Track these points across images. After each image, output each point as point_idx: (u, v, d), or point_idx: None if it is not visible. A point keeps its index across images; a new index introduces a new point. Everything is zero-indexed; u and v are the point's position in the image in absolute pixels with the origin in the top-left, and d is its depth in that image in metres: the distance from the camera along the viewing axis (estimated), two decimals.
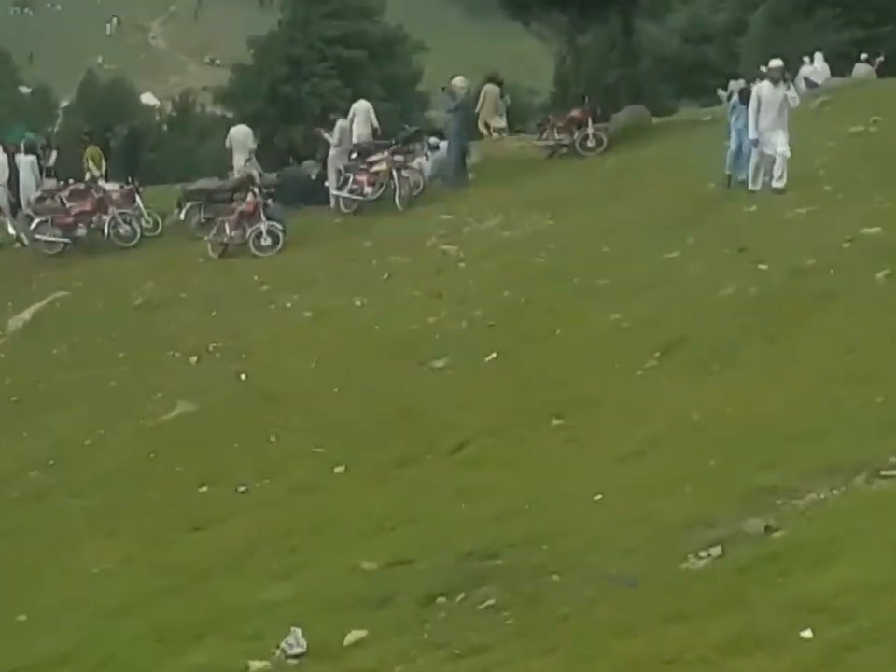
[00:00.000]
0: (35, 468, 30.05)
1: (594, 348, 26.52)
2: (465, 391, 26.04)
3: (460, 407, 25.10)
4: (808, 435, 16.78)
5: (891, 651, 9.76)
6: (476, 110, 54.34)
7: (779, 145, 31.78)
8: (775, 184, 31.60)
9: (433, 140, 49.06)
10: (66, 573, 22.19)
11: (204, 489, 24.89)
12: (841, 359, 20.85)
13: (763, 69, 34.72)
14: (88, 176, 52.17)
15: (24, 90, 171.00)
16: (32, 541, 25.37)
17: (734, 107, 34.83)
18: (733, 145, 34.37)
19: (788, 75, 33.75)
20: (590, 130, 48.06)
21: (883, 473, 14.62)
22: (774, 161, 31.83)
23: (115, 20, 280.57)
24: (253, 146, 54.84)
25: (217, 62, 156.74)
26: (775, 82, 32.78)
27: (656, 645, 11.41)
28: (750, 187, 33.40)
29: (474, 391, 25.81)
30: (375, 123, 49.08)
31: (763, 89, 32.87)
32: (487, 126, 56.18)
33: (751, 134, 32.51)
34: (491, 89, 55.76)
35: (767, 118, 32.17)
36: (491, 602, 14.40)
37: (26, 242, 49.19)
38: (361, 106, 50.21)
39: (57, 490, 28.32)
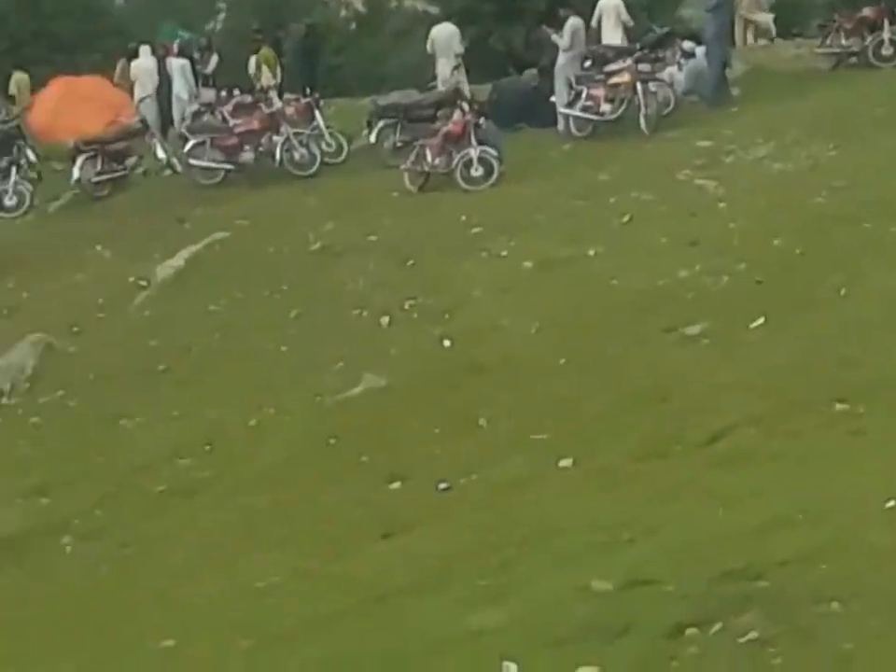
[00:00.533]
0: (187, 455, 30.34)
1: (890, 315, 26.39)
2: (725, 366, 26.00)
3: (718, 387, 25.04)
4: None
5: None
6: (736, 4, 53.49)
7: None
8: None
9: (688, 45, 48.58)
10: (224, 589, 22.38)
11: (396, 485, 25.02)
12: None
13: None
14: (257, 86, 52.30)
15: None
16: (181, 549, 25.61)
17: None
18: None
19: None
20: (886, 34, 47.44)
21: None
22: None
23: None
24: (461, 49, 54.58)
25: None
26: None
27: None
28: None
29: (736, 367, 25.77)
30: (630, 22, 48.65)
31: None
32: (749, 25, 55.44)
33: None
34: None
35: None
36: (754, 635, 14.30)
37: (179, 168, 49.52)
38: (610, 2, 49.85)
39: (213, 484, 28.57)
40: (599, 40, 48.96)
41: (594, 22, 49.64)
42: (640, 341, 28.47)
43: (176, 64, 55.17)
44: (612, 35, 48.47)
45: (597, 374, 27.35)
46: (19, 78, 64.66)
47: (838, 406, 22.50)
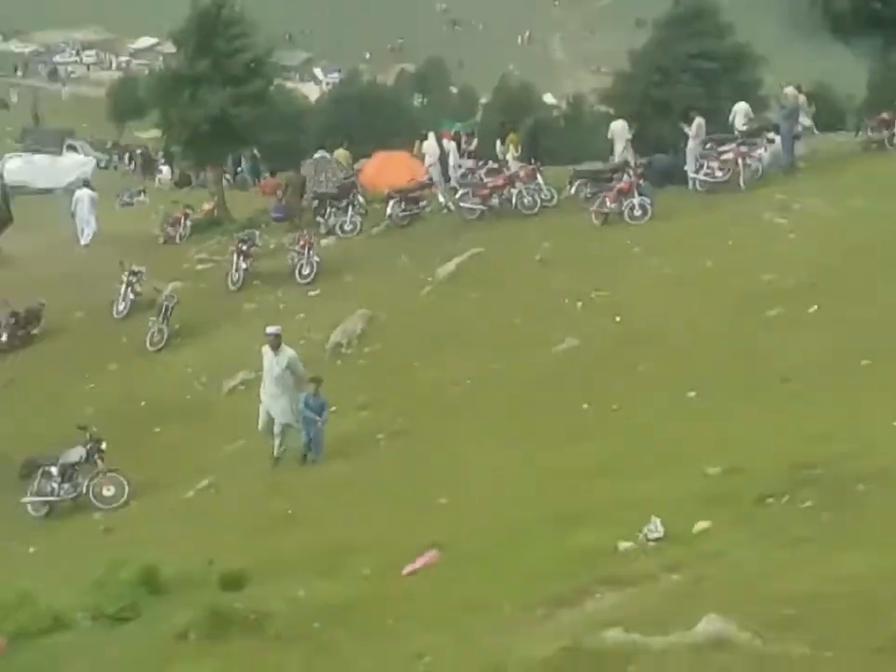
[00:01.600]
0: (456, 384, 30.63)
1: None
2: (791, 336, 25.92)
3: (786, 348, 25.01)
4: None
5: None
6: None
7: None
8: None
9: (770, 135, 48.65)
10: (478, 470, 22.56)
11: (586, 406, 25.15)
12: None
13: None
14: (501, 157, 52.62)
15: (453, 89, 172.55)
16: (449, 445, 25.86)
17: None
18: None
19: None
20: None
21: None
22: None
23: (527, 33, 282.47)
24: (629, 136, 54.99)
25: (603, 69, 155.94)
26: None
27: None
28: None
29: (798, 336, 25.68)
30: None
31: None
32: None
33: None
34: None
35: None
36: (810, 503, 14.45)
37: (452, 208, 49.68)
38: (741, 107, 50.30)
39: (471, 404, 28.87)
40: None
41: (734, 119, 50.79)
42: (738, 319, 28.51)
43: (451, 145, 55.58)
44: (741, 122, 49.45)
45: (711, 341, 27.44)
46: (341, 153, 65.42)
47: (864, 361, 22.41)
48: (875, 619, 9.71)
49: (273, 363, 25.98)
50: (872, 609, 9.92)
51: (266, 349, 26.38)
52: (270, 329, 26.67)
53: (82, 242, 58.57)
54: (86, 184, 67.09)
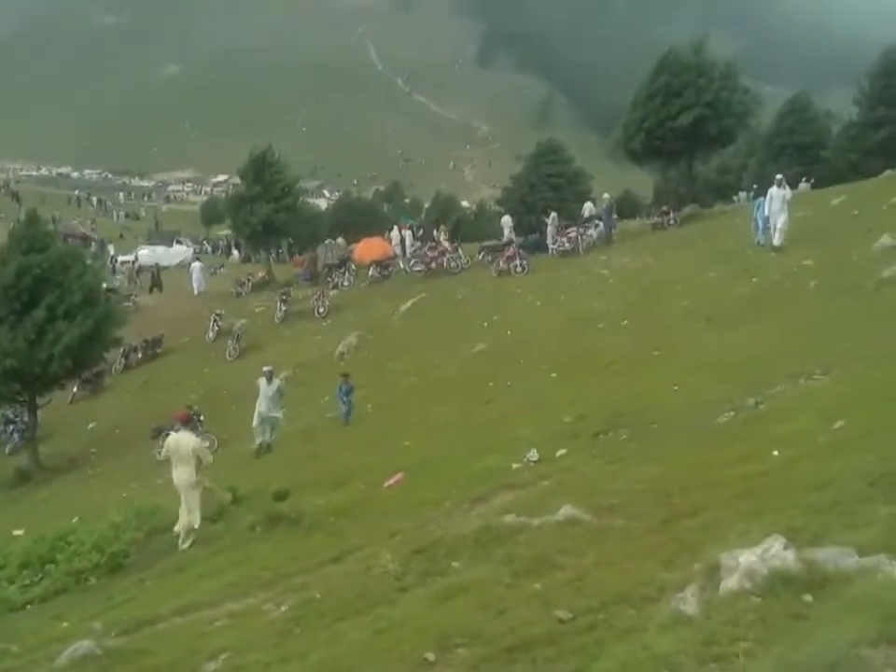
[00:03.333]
0: (413, 373, 30.54)
1: (672, 318, 26.39)
2: (612, 339, 25.91)
3: (609, 346, 25.01)
4: (776, 360, 16.70)
5: (818, 461, 9.81)
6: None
7: (780, 222, 30.63)
8: (776, 243, 30.40)
9: (597, 221, 48.75)
10: (428, 424, 22.53)
11: (491, 384, 25.05)
12: (794, 323, 20.65)
13: (777, 177, 33.65)
14: (437, 239, 52.31)
15: (407, 200, 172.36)
16: (409, 409, 25.90)
17: (758, 203, 33.37)
18: (759, 222, 32.94)
19: (784, 183, 32.53)
20: (672, 215, 47.24)
21: (813, 377, 14.56)
22: (777, 230, 30.63)
23: (451, 164, 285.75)
24: (512, 224, 55.10)
25: (496, 185, 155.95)
26: (779, 185, 31.67)
27: (707, 456, 11.53)
28: (761, 242, 32.05)
29: (616, 338, 25.70)
30: (557, 222, 48.69)
31: (772, 190, 31.77)
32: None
33: (765, 213, 31.48)
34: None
35: (774, 205, 31.03)
36: (624, 436, 14.58)
37: (408, 271, 49.40)
38: (554, 216, 50.04)
39: (422, 384, 28.82)
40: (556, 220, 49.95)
41: (554, 215, 50.53)
42: (581, 330, 28.39)
43: (407, 234, 55.58)
44: (555, 223, 49.18)
45: (564, 343, 27.52)
46: (339, 241, 66.54)
47: (655, 352, 22.46)
48: (664, 502, 9.81)
49: (267, 389, 25.74)
50: (662, 498, 10.05)
51: (262, 380, 26.14)
52: (266, 368, 26.56)
53: (196, 293, 58.92)
54: (198, 259, 70.77)
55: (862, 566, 5.48)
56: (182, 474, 17.19)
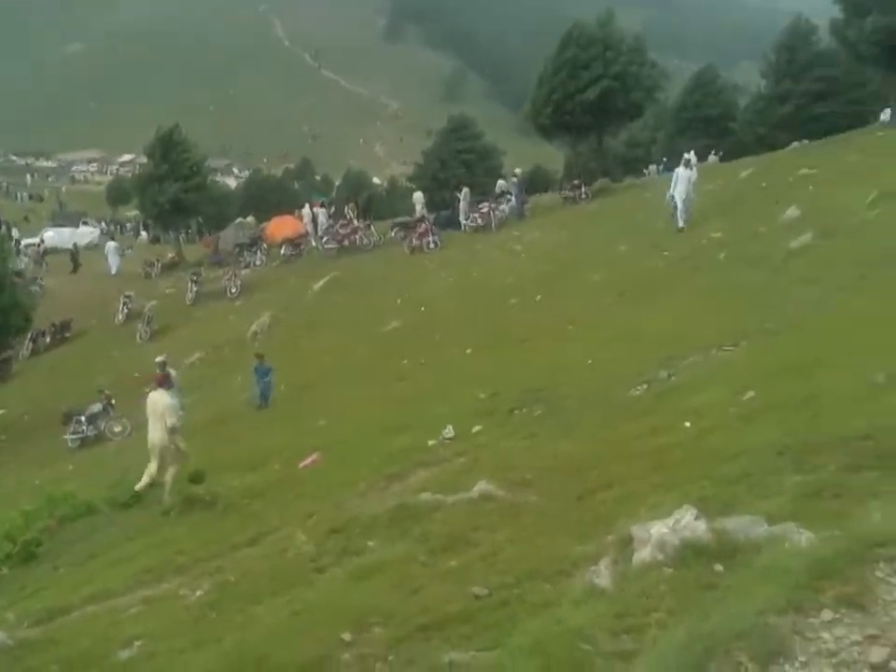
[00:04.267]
0: (327, 353, 30.42)
1: (584, 292, 26.62)
2: (525, 314, 26.06)
3: (523, 321, 25.16)
4: (687, 333, 16.89)
5: (728, 432, 9.97)
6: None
7: (684, 204, 30.87)
8: (680, 224, 30.59)
9: (509, 196, 48.82)
10: (342, 403, 22.45)
11: (405, 362, 25.06)
12: (705, 296, 20.93)
13: (684, 157, 34.09)
14: (348, 218, 51.99)
15: (318, 177, 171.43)
16: (324, 389, 25.80)
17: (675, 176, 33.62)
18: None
19: (691, 163, 32.92)
20: (583, 190, 47.52)
21: (723, 348, 14.77)
22: (680, 211, 30.83)
23: (361, 140, 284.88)
24: (423, 201, 54.97)
25: (407, 161, 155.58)
26: (685, 166, 32.01)
27: (621, 430, 11.66)
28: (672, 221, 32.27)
29: (530, 314, 25.85)
30: (469, 198, 48.63)
31: (678, 170, 32.00)
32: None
33: (671, 192, 31.65)
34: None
35: (680, 186, 31.27)
36: (539, 412, 14.66)
37: (321, 249, 49.11)
38: (466, 192, 49.96)
39: (336, 364, 28.70)
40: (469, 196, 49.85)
41: (466, 191, 50.43)
42: (493, 305, 28.45)
43: (321, 211, 55.12)
44: (467, 199, 49.08)
45: (478, 318, 27.49)
46: (250, 219, 67.23)
47: (570, 327, 22.67)
48: (578, 477, 9.89)
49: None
50: (575, 472, 10.14)
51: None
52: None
53: (112, 272, 58.06)
54: (112, 238, 72.01)
55: (772, 534, 5.55)
56: (155, 432, 17.45)
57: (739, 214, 30.01)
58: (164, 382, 18.91)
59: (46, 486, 21.05)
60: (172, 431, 17.33)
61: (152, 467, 17.56)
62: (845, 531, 5.12)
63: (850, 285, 16.64)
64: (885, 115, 49.18)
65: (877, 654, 4.01)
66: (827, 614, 4.27)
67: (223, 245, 60.50)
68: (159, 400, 17.65)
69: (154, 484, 17.31)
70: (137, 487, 17.48)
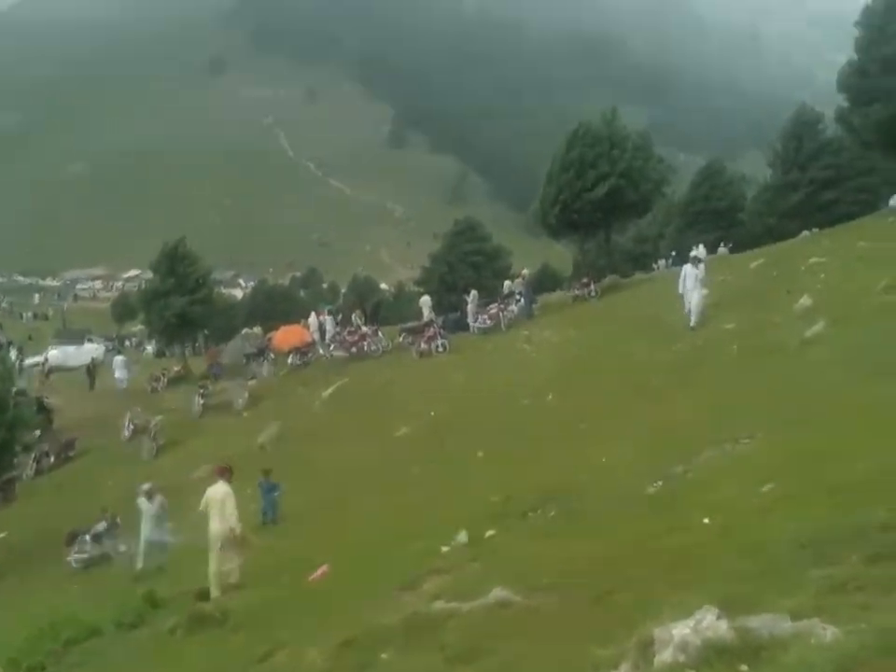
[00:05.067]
0: (334, 463, 30.26)
1: (596, 390, 26.59)
2: (537, 414, 26.06)
3: (535, 422, 25.13)
4: (703, 427, 16.85)
5: (748, 526, 9.86)
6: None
7: (694, 302, 31.00)
8: (691, 324, 30.60)
9: (518, 297, 49.15)
10: (355, 511, 22.36)
11: (416, 468, 24.98)
12: (719, 388, 20.88)
13: (691, 255, 34.55)
14: (355, 325, 52.31)
15: (324, 285, 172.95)
16: (337, 502, 25.62)
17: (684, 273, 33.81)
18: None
19: (699, 260, 33.17)
20: (592, 287, 47.88)
21: (740, 441, 14.69)
22: (691, 310, 30.94)
23: (367, 247, 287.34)
24: (430, 304, 55.18)
25: (413, 267, 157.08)
26: (693, 264, 32.19)
27: (637, 528, 11.52)
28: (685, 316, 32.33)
29: (544, 413, 25.84)
30: (477, 300, 49.10)
31: (686, 268, 32.23)
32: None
33: (679, 289, 31.79)
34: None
35: (689, 283, 31.42)
36: (553, 514, 14.52)
37: (329, 357, 49.31)
38: (474, 294, 50.28)
39: (347, 474, 28.51)
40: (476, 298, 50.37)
41: (474, 293, 50.90)
42: (505, 405, 28.44)
43: (326, 319, 55.47)
44: (474, 301, 49.58)
45: (492, 420, 27.52)
46: (256, 329, 67.79)
47: (582, 425, 22.62)
48: (596, 578, 9.79)
49: (149, 508, 25.02)
50: (593, 574, 10.06)
51: (141, 500, 25.46)
52: (144, 486, 25.74)
53: (122, 387, 57.94)
54: (119, 352, 71.48)
55: (796, 630, 5.47)
56: (216, 524, 18.06)
57: (751, 305, 30.15)
58: (223, 474, 18.98)
59: (50, 609, 20.89)
60: (232, 523, 17.83)
61: (213, 566, 18.05)
62: (870, 624, 5.04)
63: (866, 372, 16.58)
64: (893, 200, 49.62)
65: None
66: None
67: (227, 357, 61.02)
68: (219, 491, 18.16)
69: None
70: (213, 595, 17.69)
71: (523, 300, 49.25)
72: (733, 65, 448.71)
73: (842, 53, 56.67)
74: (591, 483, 15.77)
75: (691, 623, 5.87)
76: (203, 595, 17.05)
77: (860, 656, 4.54)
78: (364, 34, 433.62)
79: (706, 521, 10.62)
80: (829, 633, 5.25)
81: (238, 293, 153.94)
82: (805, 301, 26.17)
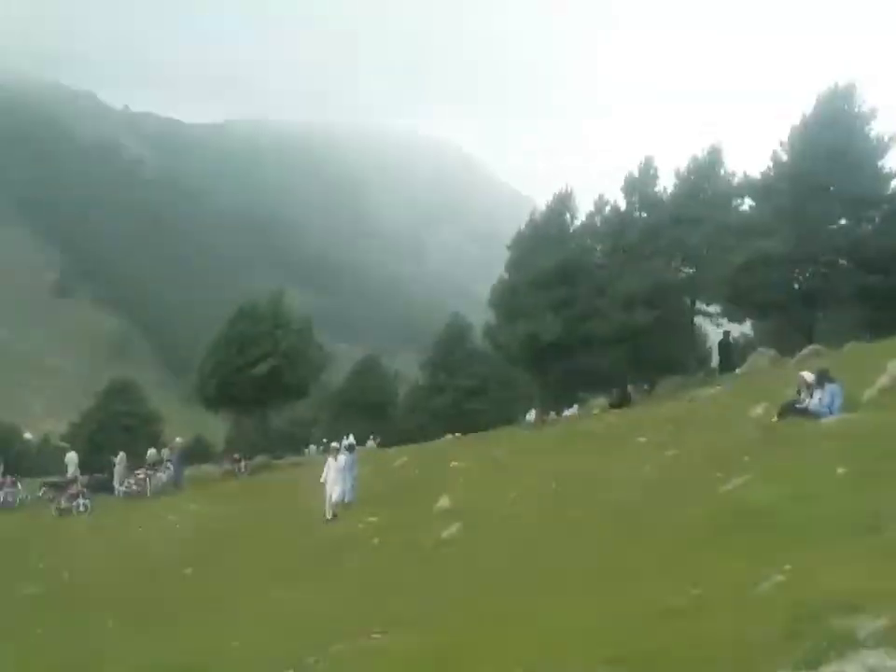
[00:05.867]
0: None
1: (239, 571, 26.19)
2: (178, 586, 25.25)
3: (175, 595, 24.32)
4: (338, 616, 16.84)
5: None
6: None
7: (335, 494, 31.54)
8: (328, 516, 31.00)
9: (167, 465, 48.53)
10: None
11: (40, 631, 23.30)
12: (358, 579, 21.07)
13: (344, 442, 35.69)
14: None
15: None
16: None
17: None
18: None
19: (343, 450, 34.01)
20: (242, 464, 47.76)
21: (372, 636, 14.78)
22: (331, 501, 31.58)
23: (22, 395, 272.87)
24: (76, 461, 53.07)
25: (63, 420, 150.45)
26: (334, 454, 33.06)
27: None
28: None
29: (183, 586, 25.12)
30: (125, 462, 48.09)
31: (329, 460, 32.58)
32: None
33: (321, 479, 32.44)
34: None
35: (331, 475, 32.05)
36: None
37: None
38: (122, 456, 49.39)
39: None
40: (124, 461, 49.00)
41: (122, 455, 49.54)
42: (148, 575, 27.47)
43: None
44: (124, 464, 48.53)
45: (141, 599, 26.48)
46: None
47: (217, 604, 22.18)
48: None
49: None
50: None
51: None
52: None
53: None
54: None
55: None
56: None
57: (395, 501, 31.01)
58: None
59: None
60: None
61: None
62: None
63: (493, 577, 17.28)
64: (529, 415, 52.82)
65: None
66: None
67: None
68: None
69: None
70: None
71: (173, 468, 48.85)
72: (398, 268, 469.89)
73: (497, 269, 60.33)
74: (224, 665, 15.40)
75: None
76: None
77: None
78: (35, 176, 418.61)
79: None
80: None
81: None
82: (444, 502, 27.16)
